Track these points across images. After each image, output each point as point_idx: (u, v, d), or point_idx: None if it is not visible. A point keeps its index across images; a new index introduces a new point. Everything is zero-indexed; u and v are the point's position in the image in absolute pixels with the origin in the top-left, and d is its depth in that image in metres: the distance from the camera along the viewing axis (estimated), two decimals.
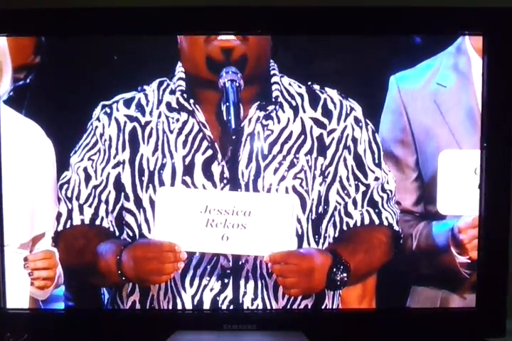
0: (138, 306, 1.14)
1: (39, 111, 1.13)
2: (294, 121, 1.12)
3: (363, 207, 1.14)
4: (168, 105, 1.12)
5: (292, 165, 1.11)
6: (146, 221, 1.11)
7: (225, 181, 1.10)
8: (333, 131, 1.13)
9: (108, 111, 1.13)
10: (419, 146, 1.16)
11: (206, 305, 1.12)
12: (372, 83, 1.14)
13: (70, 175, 1.14)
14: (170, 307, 1.12)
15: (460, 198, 1.14)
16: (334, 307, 1.16)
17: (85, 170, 1.13)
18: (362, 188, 1.14)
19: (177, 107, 1.12)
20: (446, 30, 1.12)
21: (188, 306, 1.12)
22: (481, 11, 1.09)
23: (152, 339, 1.13)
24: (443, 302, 1.18)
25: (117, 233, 1.13)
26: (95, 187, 1.13)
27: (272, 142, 1.11)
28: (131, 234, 1.12)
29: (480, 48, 1.10)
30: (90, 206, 1.13)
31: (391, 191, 1.15)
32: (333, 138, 1.13)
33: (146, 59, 1.12)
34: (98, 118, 1.13)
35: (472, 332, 1.15)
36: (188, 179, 1.10)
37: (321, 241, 1.13)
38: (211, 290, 1.11)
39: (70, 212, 1.13)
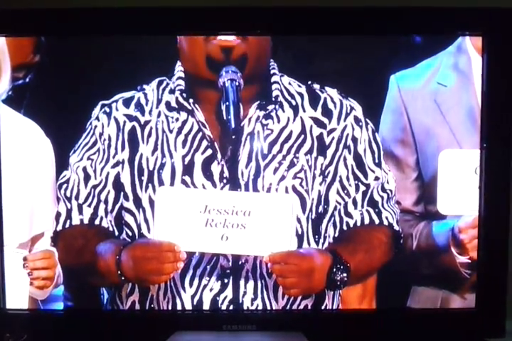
0: (137, 306, 1.13)
1: (38, 110, 1.13)
2: (294, 120, 1.12)
3: (363, 206, 1.14)
4: (168, 104, 1.12)
5: (292, 164, 1.11)
6: (146, 221, 1.11)
7: (224, 181, 1.09)
8: (333, 130, 1.13)
9: (107, 110, 1.13)
10: (420, 146, 1.16)
11: (206, 306, 1.11)
12: (372, 82, 1.13)
13: (69, 174, 1.13)
14: (169, 307, 1.12)
15: (460, 198, 1.14)
16: (334, 307, 1.16)
17: (84, 169, 1.13)
18: (362, 188, 1.13)
19: (176, 107, 1.12)
20: (445, 31, 1.12)
21: (188, 306, 1.11)
22: (480, 11, 1.09)
23: (152, 340, 1.12)
24: (443, 302, 1.18)
25: (116, 233, 1.13)
26: (94, 186, 1.13)
27: (272, 141, 1.11)
28: (130, 233, 1.12)
29: (480, 47, 1.10)
30: (89, 206, 1.13)
31: (391, 191, 1.15)
32: (333, 138, 1.12)
33: (145, 58, 1.11)
34: (97, 118, 1.13)
35: (472, 333, 1.15)
36: (187, 179, 1.10)
37: (321, 241, 1.13)
38: (211, 290, 1.11)
39: (69, 211, 1.13)
